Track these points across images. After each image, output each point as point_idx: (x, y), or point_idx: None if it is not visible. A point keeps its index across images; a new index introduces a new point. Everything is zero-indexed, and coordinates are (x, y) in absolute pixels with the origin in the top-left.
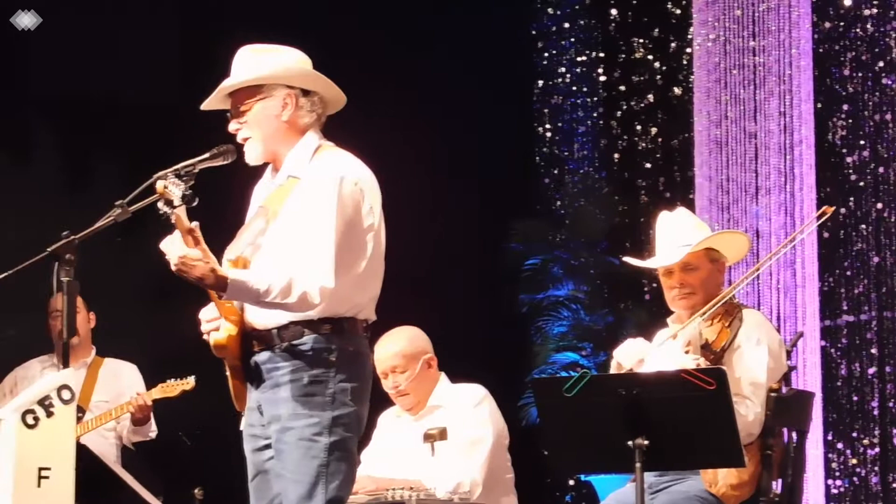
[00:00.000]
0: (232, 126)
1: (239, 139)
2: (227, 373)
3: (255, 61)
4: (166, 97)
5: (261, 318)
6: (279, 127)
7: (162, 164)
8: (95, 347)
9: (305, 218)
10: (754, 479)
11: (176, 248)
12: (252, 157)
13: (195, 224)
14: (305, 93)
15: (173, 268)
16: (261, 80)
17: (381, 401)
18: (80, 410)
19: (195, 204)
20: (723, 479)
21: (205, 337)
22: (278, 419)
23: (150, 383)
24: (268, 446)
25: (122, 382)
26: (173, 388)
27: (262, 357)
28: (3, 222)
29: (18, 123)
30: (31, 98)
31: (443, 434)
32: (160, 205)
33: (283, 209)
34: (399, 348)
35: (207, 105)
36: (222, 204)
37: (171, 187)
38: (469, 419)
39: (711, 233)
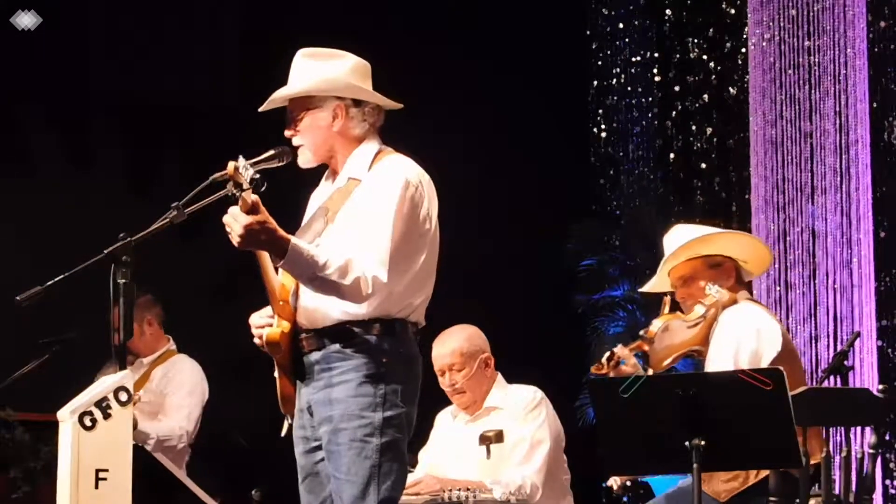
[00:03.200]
0: (287, 132)
1: (293, 144)
2: (276, 373)
3: (309, 69)
4: (227, 99)
5: (312, 315)
6: (330, 136)
7: (221, 166)
8: (170, 342)
9: (366, 216)
10: (744, 472)
11: (240, 219)
12: (304, 161)
13: (256, 197)
14: (357, 103)
15: (237, 238)
16: (310, 93)
17: (438, 400)
18: None
19: (263, 189)
20: (715, 474)
21: (256, 340)
22: (330, 420)
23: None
24: (318, 448)
25: (164, 382)
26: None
27: (313, 357)
28: (65, 223)
29: (80, 125)
30: (92, 99)
31: (499, 437)
32: (229, 186)
33: (342, 210)
34: (456, 346)
35: (266, 107)
36: (281, 205)
37: (241, 170)
38: (527, 422)
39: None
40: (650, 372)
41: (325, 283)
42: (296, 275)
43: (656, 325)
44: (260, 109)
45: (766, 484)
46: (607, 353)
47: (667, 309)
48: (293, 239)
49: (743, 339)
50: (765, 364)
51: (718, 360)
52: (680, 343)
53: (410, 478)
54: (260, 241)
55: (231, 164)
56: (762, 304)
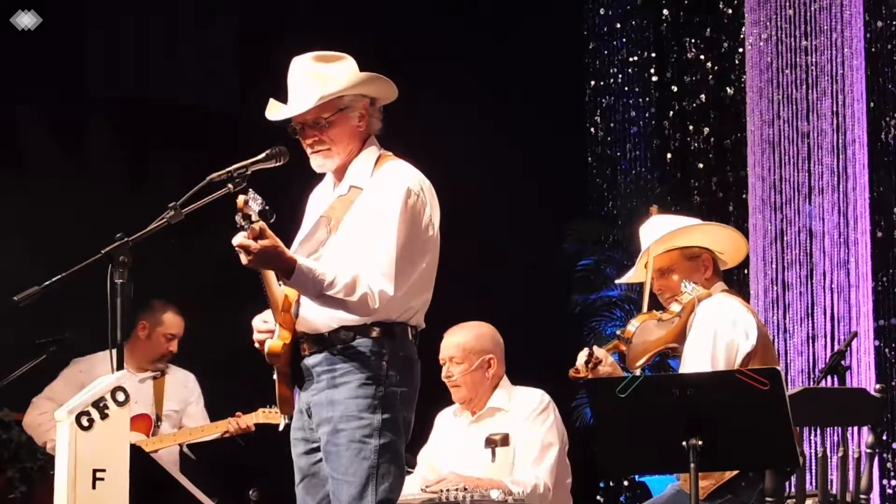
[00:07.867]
0: (310, 139)
1: (315, 149)
2: (275, 378)
3: (328, 72)
4: (224, 99)
5: (313, 322)
6: (355, 136)
7: (219, 166)
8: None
9: (369, 226)
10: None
11: (247, 243)
12: (330, 164)
13: (262, 223)
14: (372, 101)
15: (245, 261)
16: (345, 92)
17: (438, 401)
18: (157, 419)
19: (272, 220)
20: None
21: (257, 345)
22: (329, 421)
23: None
24: (316, 449)
25: (186, 391)
26: (269, 416)
27: (313, 360)
28: (63, 223)
29: (77, 125)
30: (89, 99)
31: (505, 440)
32: (238, 218)
33: (345, 219)
34: (462, 340)
35: (279, 116)
36: (278, 207)
37: (250, 202)
38: (536, 424)
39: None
40: (637, 371)
41: (332, 300)
42: (302, 292)
43: (633, 324)
44: (273, 118)
45: (737, 482)
46: (584, 355)
47: (646, 308)
48: (299, 259)
49: (719, 331)
50: (741, 355)
51: (695, 354)
52: (655, 341)
53: (411, 478)
54: (267, 264)
55: (241, 198)
56: (737, 294)
